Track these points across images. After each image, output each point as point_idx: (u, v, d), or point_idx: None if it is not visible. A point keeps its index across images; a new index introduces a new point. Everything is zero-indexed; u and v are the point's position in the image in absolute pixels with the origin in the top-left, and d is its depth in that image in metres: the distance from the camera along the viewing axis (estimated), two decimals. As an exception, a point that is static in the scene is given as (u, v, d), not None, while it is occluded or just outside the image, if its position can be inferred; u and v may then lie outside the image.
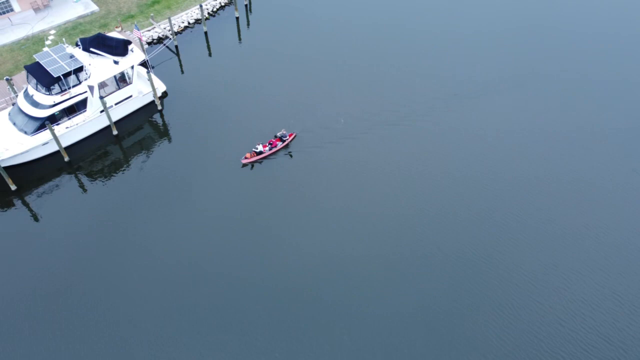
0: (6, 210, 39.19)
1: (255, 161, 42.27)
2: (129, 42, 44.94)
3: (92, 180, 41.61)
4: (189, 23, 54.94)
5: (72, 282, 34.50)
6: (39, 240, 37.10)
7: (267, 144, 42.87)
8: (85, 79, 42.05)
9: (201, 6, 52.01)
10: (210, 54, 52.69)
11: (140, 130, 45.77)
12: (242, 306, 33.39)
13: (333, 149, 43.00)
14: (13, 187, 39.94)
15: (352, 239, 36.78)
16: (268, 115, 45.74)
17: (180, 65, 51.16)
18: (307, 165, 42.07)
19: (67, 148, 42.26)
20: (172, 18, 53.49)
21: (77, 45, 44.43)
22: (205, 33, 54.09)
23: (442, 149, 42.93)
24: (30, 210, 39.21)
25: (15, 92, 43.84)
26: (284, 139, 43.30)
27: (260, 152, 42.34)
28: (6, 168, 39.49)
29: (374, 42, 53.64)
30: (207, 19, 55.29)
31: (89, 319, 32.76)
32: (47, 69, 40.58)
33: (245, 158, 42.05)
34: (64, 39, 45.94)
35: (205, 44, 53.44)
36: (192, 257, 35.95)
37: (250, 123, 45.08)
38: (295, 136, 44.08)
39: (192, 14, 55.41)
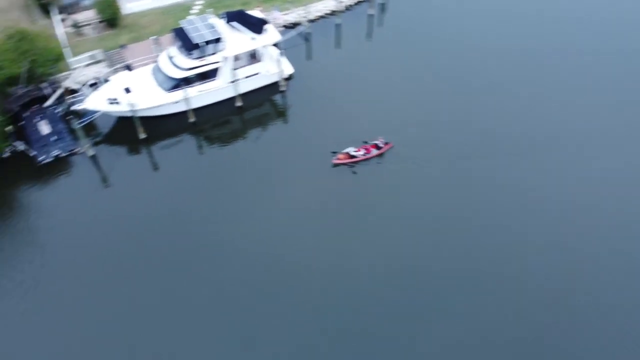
0: (132, 155, 42.96)
1: (347, 164, 41.81)
2: (267, 22, 46.95)
3: (209, 143, 44.43)
4: (324, 14, 56.27)
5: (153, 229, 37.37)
6: (149, 183, 40.66)
7: (362, 149, 42.32)
8: (222, 50, 44.57)
9: (339, -2, 53.05)
10: (338, 47, 53.49)
11: (261, 106, 47.70)
12: (317, 306, 33.58)
13: (429, 168, 41.19)
14: (142, 136, 43.45)
15: (441, 256, 35.63)
16: (373, 118, 45.25)
17: (309, 53, 52.51)
18: (398, 179, 40.87)
19: (194, 110, 45.06)
20: (308, 6, 55.06)
21: (220, 17, 47.29)
22: (338, 25, 55.03)
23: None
24: (152, 158, 42.72)
25: (159, 51, 47.48)
26: (380, 147, 42.60)
27: (354, 156, 41.93)
28: (140, 118, 42.95)
29: (511, 66, 50.63)
30: (342, 11, 56.20)
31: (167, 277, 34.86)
32: (190, 35, 43.53)
33: (338, 159, 41.80)
34: (208, 11, 49.11)
35: (336, 37, 54.33)
36: (268, 243, 36.65)
37: (355, 123, 44.85)
38: (391, 147, 43.13)
39: (329, 4, 56.66)
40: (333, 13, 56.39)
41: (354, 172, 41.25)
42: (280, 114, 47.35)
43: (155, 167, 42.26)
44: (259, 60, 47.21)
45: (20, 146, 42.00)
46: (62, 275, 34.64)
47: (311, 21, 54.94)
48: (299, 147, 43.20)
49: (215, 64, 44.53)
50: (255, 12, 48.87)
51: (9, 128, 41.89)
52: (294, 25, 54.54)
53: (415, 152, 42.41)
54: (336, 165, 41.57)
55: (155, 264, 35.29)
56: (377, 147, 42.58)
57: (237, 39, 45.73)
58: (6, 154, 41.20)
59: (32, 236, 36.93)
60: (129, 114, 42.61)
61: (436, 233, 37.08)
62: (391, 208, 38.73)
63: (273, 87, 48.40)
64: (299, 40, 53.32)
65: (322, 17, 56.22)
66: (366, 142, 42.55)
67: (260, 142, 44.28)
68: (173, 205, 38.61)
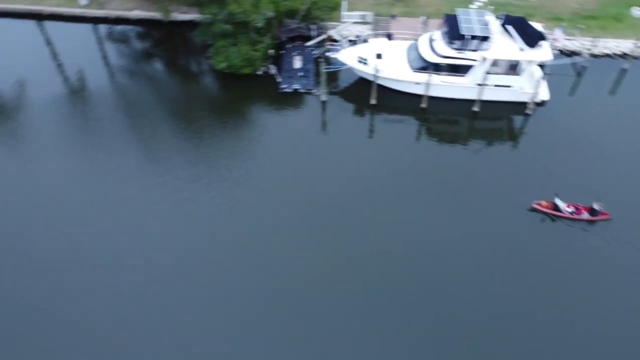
0: (356, 115, 44.11)
1: (547, 214, 36.40)
2: (544, 38, 42.71)
3: (427, 134, 43.45)
4: (613, 53, 48.98)
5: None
6: (359, 145, 41.32)
7: (573, 206, 36.27)
8: (484, 50, 42.11)
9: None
10: (612, 93, 46.19)
11: (497, 120, 44.35)
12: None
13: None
14: (372, 101, 44.15)
15: None
16: (603, 181, 38.33)
17: (574, 87, 46.54)
18: (602, 257, 34.08)
19: (429, 97, 43.95)
20: (599, 39, 48.43)
21: (498, 17, 44.65)
22: (623, 70, 47.43)
23: None
24: (372, 124, 43.46)
25: (423, 32, 47.23)
26: (596, 213, 35.90)
27: (559, 210, 36.20)
28: (378, 85, 43.64)
29: None
30: (636, 57, 48.21)
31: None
32: (460, 25, 41.97)
33: (539, 204, 36.68)
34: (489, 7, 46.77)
35: (615, 82, 46.91)
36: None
37: (579, 178, 38.52)
38: (608, 219, 35.94)
39: (624, 45, 49.02)
40: (624, 55, 48.77)
41: (553, 220, 36.18)
42: (511, 135, 43.36)
43: (371, 133, 42.78)
44: (517, 74, 43.48)
45: (273, 70, 46.49)
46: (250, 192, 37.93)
47: (593, 56, 48.41)
48: (507, 174, 39.37)
49: (471, 61, 42.35)
50: (537, 25, 44.87)
51: (271, 52, 46.63)
52: (571, 54, 48.79)
53: (636, 235, 35.04)
54: (534, 210, 36.76)
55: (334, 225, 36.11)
56: (591, 211, 36.28)
57: (505, 44, 42.64)
58: (260, 72, 46.02)
59: (249, 145, 41.00)
60: (371, 78, 43.50)
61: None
62: (585, 285, 32.83)
63: (519, 107, 44.25)
64: (570, 70, 47.54)
65: (608, 55, 49.07)
66: (587, 206, 36.59)
67: (473, 154, 41.30)
68: (369, 174, 38.60)
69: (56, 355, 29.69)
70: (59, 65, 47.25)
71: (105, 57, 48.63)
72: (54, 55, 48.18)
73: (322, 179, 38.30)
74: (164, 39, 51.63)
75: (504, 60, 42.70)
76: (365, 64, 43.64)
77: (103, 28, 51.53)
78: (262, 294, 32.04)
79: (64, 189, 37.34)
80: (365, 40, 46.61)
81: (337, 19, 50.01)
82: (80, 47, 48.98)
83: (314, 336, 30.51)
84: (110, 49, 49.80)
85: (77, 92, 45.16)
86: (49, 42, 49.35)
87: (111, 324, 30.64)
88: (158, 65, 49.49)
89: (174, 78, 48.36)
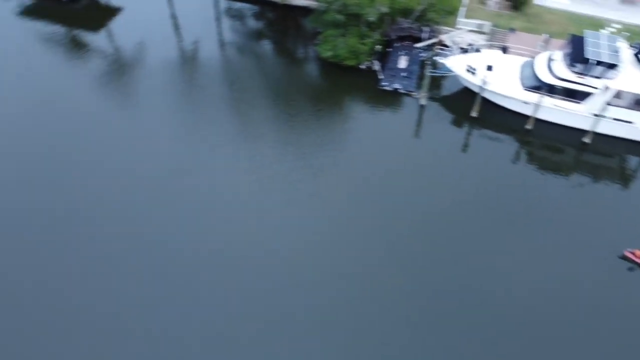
0: (455, 125, 42.30)
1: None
2: (683, 78, 38.26)
3: (527, 158, 40.51)
4: None
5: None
6: (450, 159, 39.23)
7: None
8: (609, 78, 38.52)
9: None
10: None
11: (610, 157, 40.62)
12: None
13: None
14: (474, 114, 42.06)
15: None
16: None
17: None
18: None
19: (536, 119, 41.08)
20: None
21: (631, 46, 40.69)
22: None
23: None
24: (468, 138, 41.37)
25: (542, 50, 44.21)
26: None
27: None
28: (483, 98, 41.48)
29: None
30: None
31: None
32: (585, 48, 38.70)
33: (632, 253, 33.16)
34: (622, 34, 42.68)
35: None
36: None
37: None
38: None
39: None
40: None
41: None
42: (620, 176, 39.53)
43: (466, 147, 40.73)
44: (642, 111, 39.51)
45: (376, 66, 45.80)
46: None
47: None
48: (603, 215, 36.02)
49: (592, 89, 38.95)
50: (674, 61, 40.31)
51: (378, 47, 45.97)
52: None
53: None
54: (625, 258, 33.32)
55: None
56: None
57: (635, 76, 38.76)
58: (363, 66, 45.53)
59: (340, 136, 40.76)
60: (476, 89, 41.43)
61: None
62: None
63: (637, 147, 40.21)
64: None
65: None
66: None
67: (571, 187, 38.23)
68: (454, 190, 36.83)
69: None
70: (177, 32, 49.95)
71: (220, 31, 50.70)
72: (175, 24, 51.02)
73: (406, 184, 37.08)
74: (276, 21, 52.82)
75: (630, 93, 38.79)
76: (473, 74, 41.64)
77: (223, 3, 53.81)
78: (329, 282, 31.72)
79: (159, 146, 39.31)
80: (477, 50, 44.48)
81: (452, 25, 48.22)
82: (199, 18, 51.48)
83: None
84: (226, 23, 51.86)
85: (189, 59, 47.48)
86: (173, 17, 52.23)
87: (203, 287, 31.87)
88: (266, 45, 50.68)
89: (279, 59, 49.30)
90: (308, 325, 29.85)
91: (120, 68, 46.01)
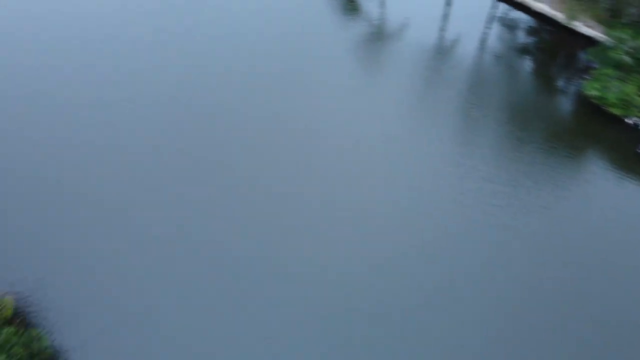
0: None
1: None
2: None
3: None
4: None
5: None
6: None
7: None
8: None
9: None
10: None
11: None
12: None
13: None
14: None
15: None
16: None
17: None
18: None
19: None
20: None
21: None
22: None
23: None
24: None
25: None
26: None
27: None
28: None
29: None
30: None
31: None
32: None
33: None
34: None
35: None
36: None
37: None
38: None
39: None
40: None
41: None
42: None
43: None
44: None
45: (645, 126, 38.74)
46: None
47: None
48: None
49: None
50: None
51: None
52: None
53: None
54: None
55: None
56: None
57: None
58: (630, 121, 38.75)
59: (566, 186, 35.74)
60: None
61: None
62: None
63: None
64: None
65: None
66: None
67: None
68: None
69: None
70: (444, 20, 49.26)
71: (485, 33, 48.38)
72: (445, 13, 50.35)
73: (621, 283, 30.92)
74: (549, 41, 48.10)
75: None
76: None
77: (502, 7, 51.05)
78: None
79: (375, 128, 39.98)
80: None
81: None
82: (470, 14, 49.77)
83: None
84: (496, 28, 49.18)
85: (442, 49, 46.53)
86: (448, 3, 51.52)
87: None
88: (526, 62, 46.62)
89: (533, 80, 44.98)
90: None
91: (377, 37, 47.58)
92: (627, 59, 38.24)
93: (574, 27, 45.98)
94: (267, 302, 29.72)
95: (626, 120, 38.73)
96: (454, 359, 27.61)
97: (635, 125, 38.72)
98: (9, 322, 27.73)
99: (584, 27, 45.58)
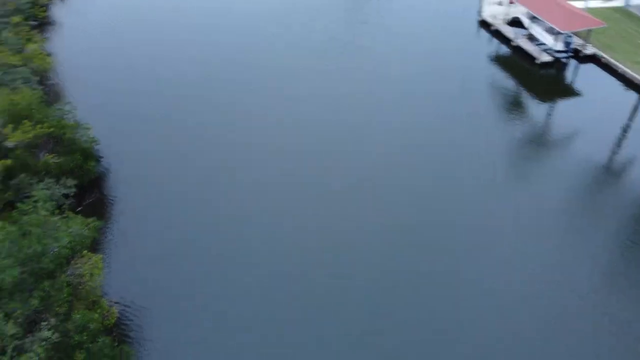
0: None
1: None
2: None
3: None
4: None
5: None
6: None
7: None
8: None
9: None
10: None
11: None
12: None
13: None
14: None
15: None
16: None
17: None
18: None
19: None
20: None
21: None
22: None
23: None
24: None
25: None
26: None
27: None
28: None
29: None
30: None
31: None
32: None
33: None
34: None
35: None
36: None
37: None
38: None
39: None
40: None
41: None
42: None
43: None
44: None
45: None
46: None
47: None
48: None
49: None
50: None
51: None
52: None
53: None
54: None
55: None
56: None
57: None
58: None
59: None
60: None
61: None
62: None
63: None
64: None
65: None
66: None
67: None
68: None
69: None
70: (621, 138, 43.98)
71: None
72: (625, 126, 45.26)
73: None
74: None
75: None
76: None
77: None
78: None
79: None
80: None
81: None
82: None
83: None
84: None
85: (613, 172, 40.87)
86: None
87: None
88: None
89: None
90: None
91: (538, 142, 44.04)
92: None
93: None
94: None
95: None
96: None
97: None
98: (109, 331, 28.70)
99: None
